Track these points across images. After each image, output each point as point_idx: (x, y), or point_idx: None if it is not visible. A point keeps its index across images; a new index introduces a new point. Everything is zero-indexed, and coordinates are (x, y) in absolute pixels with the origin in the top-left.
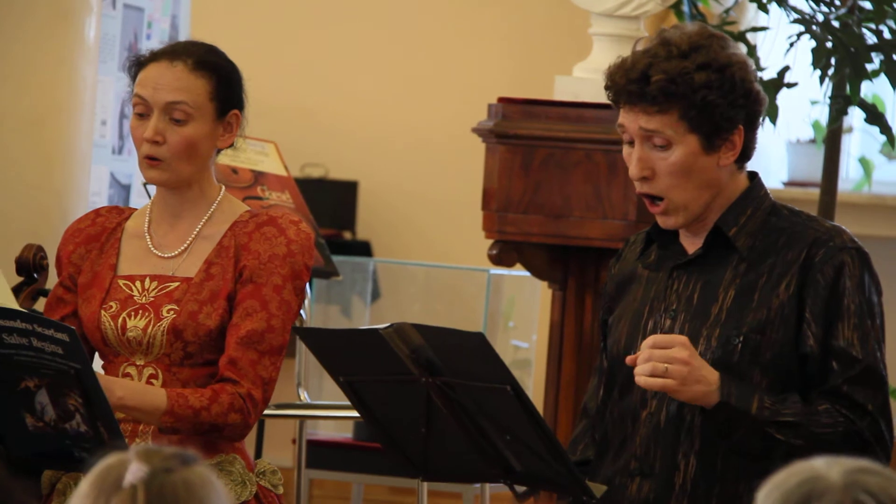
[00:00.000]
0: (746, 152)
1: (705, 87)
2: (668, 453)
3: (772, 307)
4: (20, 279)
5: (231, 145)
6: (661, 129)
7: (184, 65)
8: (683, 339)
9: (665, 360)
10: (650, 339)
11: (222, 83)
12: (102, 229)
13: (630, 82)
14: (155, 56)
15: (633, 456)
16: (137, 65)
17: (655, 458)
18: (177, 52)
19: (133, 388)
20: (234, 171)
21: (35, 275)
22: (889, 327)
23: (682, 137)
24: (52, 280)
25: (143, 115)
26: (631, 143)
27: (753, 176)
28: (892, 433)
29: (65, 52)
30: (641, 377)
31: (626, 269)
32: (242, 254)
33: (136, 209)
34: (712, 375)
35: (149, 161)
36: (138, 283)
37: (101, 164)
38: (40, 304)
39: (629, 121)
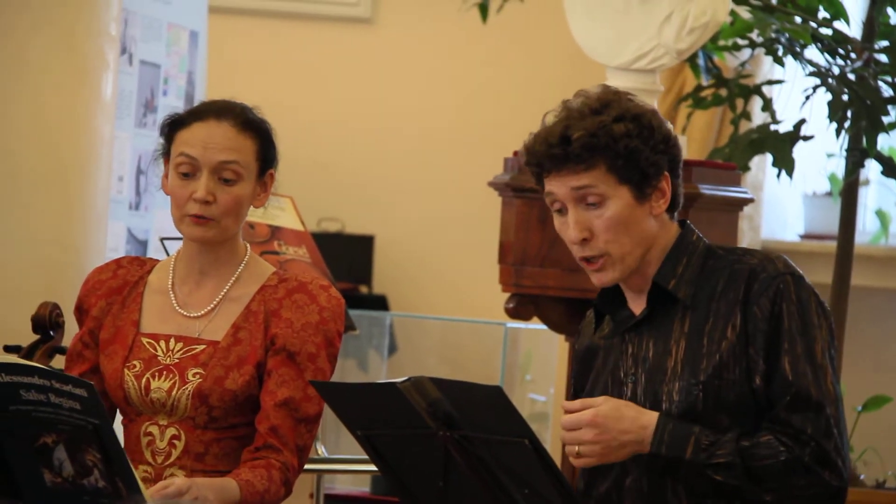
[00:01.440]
0: (675, 199)
1: (626, 136)
2: None
3: (722, 350)
4: (36, 337)
5: (264, 205)
6: (593, 184)
7: (231, 124)
8: (589, 417)
9: (574, 442)
10: (563, 421)
11: (265, 143)
12: (124, 282)
13: (551, 147)
14: (199, 114)
15: None
16: (178, 123)
17: None
18: (221, 110)
19: (213, 485)
20: (251, 226)
21: (51, 332)
22: None
23: (614, 190)
24: (68, 337)
25: (188, 175)
26: (560, 211)
27: (683, 224)
28: (844, 452)
29: (82, 109)
30: (568, 457)
31: (584, 343)
32: (273, 321)
33: (157, 261)
34: (642, 431)
35: (196, 219)
36: (163, 343)
37: (118, 219)
38: (57, 362)
39: (557, 186)
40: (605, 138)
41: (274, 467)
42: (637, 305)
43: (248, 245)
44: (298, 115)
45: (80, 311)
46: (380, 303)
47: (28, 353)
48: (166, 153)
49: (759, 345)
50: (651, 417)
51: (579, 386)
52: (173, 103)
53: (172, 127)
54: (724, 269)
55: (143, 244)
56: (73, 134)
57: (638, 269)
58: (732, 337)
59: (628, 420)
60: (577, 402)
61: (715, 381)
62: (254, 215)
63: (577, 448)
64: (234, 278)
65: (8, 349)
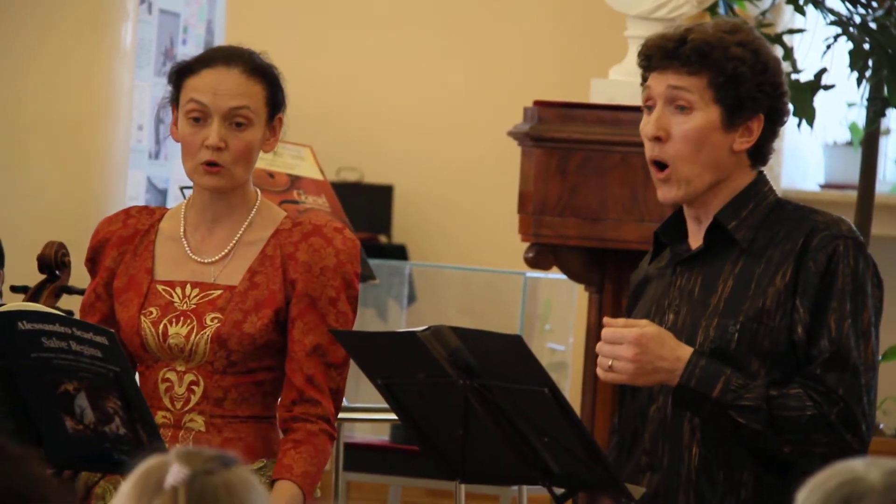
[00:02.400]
0: (762, 149)
1: (738, 60)
2: (675, 446)
3: (768, 296)
4: (42, 277)
5: (274, 150)
6: (688, 88)
7: (240, 69)
8: (635, 334)
9: (611, 355)
10: (603, 332)
11: (274, 87)
12: (135, 231)
13: (667, 41)
14: (207, 61)
15: (644, 451)
16: (186, 70)
17: (664, 452)
18: (229, 56)
19: (282, 499)
20: (271, 175)
21: (57, 272)
22: None
23: (705, 105)
24: (74, 277)
25: (198, 121)
26: (650, 108)
27: (759, 173)
28: (870, 419)
29: (101, 58)
30: (597, 368)
31: (640, 275)
32: (290, 265)
33: (166, 209)
34: (676, 362)
35: (208, 168)
36: (178, 290)
37: (138, 168)
38: (63, 302)
39: (657, 82)
40: (718, 52)
41: (315, 434)
42: (696, 240)
43: (258, 190)
44: (317, 64)
45: (92, 262)
46: (399, 252)
47: (35, 293)
48: (175, 100)
49: (807, 298)
50: (687, 351)
51: (629, 317)
52: (193, 52)
53: (180, 74)
54: (787, 222)
55: (163, 193)
56: (93, 83)
57: (704, 200)
58: (780, 285)
59: (668, 348)
60: (621, 320)
61: (753, 324)
62: (273, 164)
63: (610, 362)
64: (246, 223)
65: (14, 289)
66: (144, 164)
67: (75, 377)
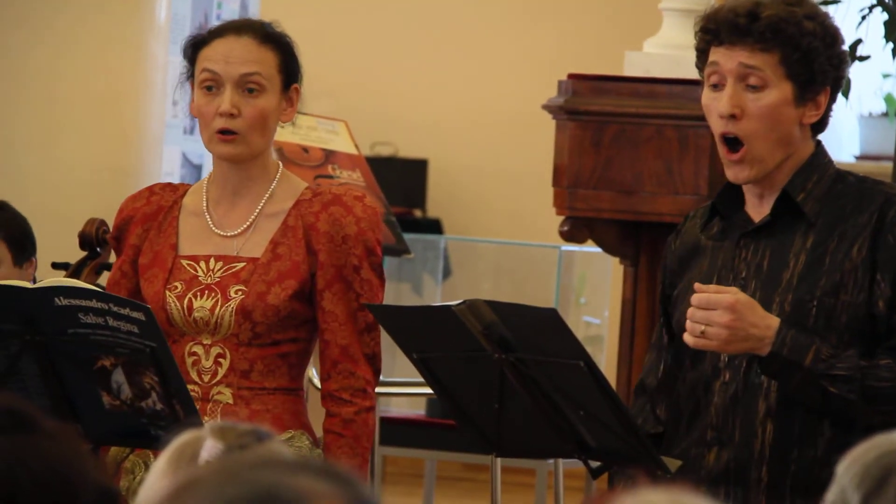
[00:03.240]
0: (824, 119)
1: (811, 35)
2: (747, 421)
3: (845, 270)
4: (83, 253)
5: (292, 121)
6: (762, 67)
7: (251, 38)
8: (730, 300)
9: (704, 321)
10: (695, 297)
11: (288, 55)
12: (159, 208)
13: (738, 16)
14: (219, 32)
15: (710, 426)
16: (199, 43)
17: (735, 427)
18: (240, 26)
19: None
20: (305, 150)
21: (98, 249)
22: None
23: (778, 81)
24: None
25: (211, 90)
26: (717, 86)
27: (818, 143)
28: None
29: (136, 33)
30: (685, 334)
31: (689, 242)
32: (312, 235)
33: (189, 185)
34: (766, 330)
35: (222, 136)
36: (202, 264)
37: (173, 144)
38: (104, 279)
39: (726, 59)
40: (792, 28)
41: (350, 422)
42: (757, 212)
43: (279, 162)
44: (353, 40)
45: (118, 241)
46: (434, 226)
47: (76, 270)
48: (191, 76)
49: (888, 271)
50: (775, 320)
51: (670, 283)
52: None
53: (194, 48)
54: (853, 194)
55: (199, 168)
56: (128, 58)
57: (770, 174)
58: (858, 259)
59: (759, 315)
60: (712, 286)
61: (831, 299)
62: (308, 139)
63: (702, 328)
64: (267, 195)
65: (56, 266)
66: (179, 139)
67: (112, 353)
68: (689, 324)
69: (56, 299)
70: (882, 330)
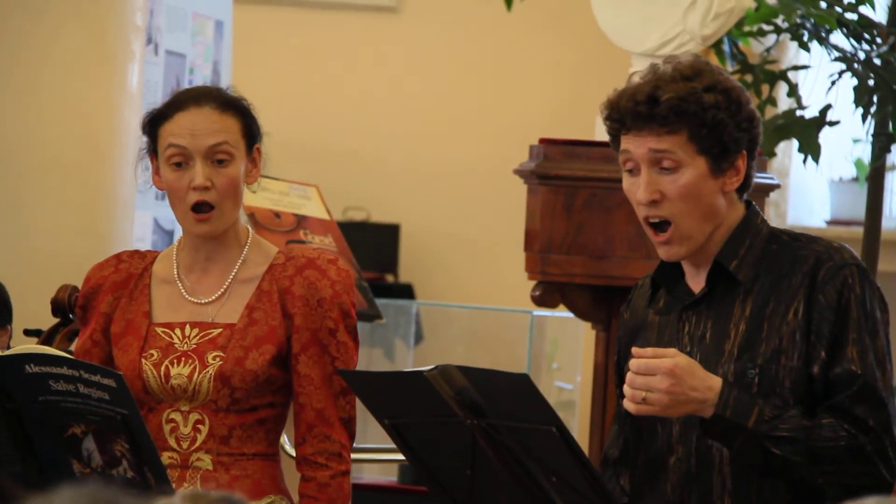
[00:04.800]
0: (747, 181)
1: (714, 107)
2: (704, 497)
3: (783, 335)
4: (56, 320)
5: (257, 181)
6: (671, 150)
7: (212, 107)
8: (668, 365)
9: (644, 388)
10: (633, 363)
11: (248, 118)
12: (129, 275)
13: (638, 104)
14: (178, 105)
15: (668, 502)
16: (159, 118)
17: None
18: (198, 96)
19: None
20: (277, 215)
21: (71, 315)
22: None
23: (691, 159)
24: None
25: (181, 165)
26: (633, 171)
27: (749, 205)
28: None
29: (108, 98)
30: (625, 400)
31: (638, 316)
32: (287, 299)
33: (157, 252)
34: (708, 392)
35: (198, 216)
36: (178, 331)
37: (145, 209)
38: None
39: (635, 146)
40: (693, 105)
41: (326, 486)
42: (695, 282)
43: (249, 227)
44: (324, 104)
45: (85, 310)
46: (406, 291)
47: (48, 336)
48: (153, 150)
49: (822, 334)
50: (717, 381)
51: (623, 355)
52: (165, 100)
53: (154, 122)
54: (787, 255)
55: (170, 234)
56: (100, 124)
57: (702, 246)
58: (794, 323)
59: (699, 378)
60: (649, 350)
61: (772, 365)
62: (280, 204)
63: (643, 394)
64: (240, 261)
65: (28, 333)
66: (151, 204)
67: (83, 420)
68: (629, 390)
69: (27, 366)
70: (819, 390)
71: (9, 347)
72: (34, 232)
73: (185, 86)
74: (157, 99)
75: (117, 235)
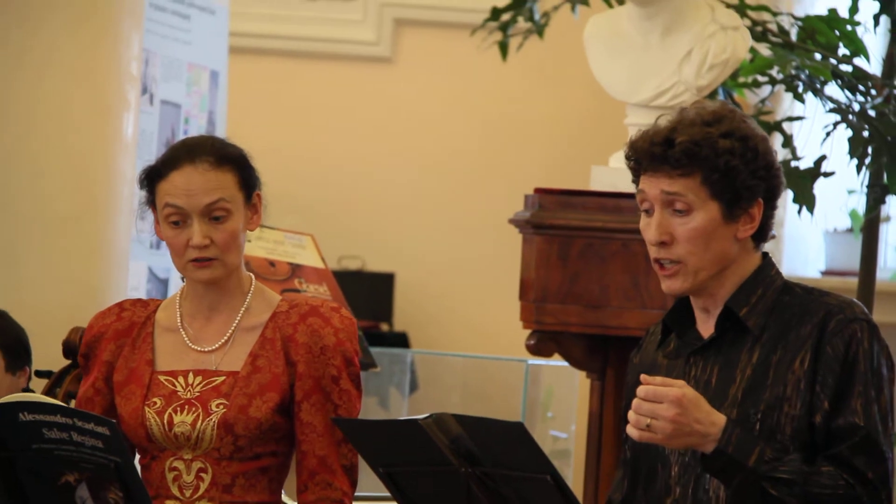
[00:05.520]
0: (764, 230)
1: (728, 153)
2: None
3: (788, 383)
4: (67, 362)
5: (260, 225)
6: (683, 193)
7: (207, 163)
8: (676, 394)
9: (650, 414)
10: (641, 389)
11: (245, 169)
12: (131, 324)
13: (654, 145)
14: (173, 163)
15: None
16: (155, 176)
17: None
18: (192, 150)
19: None
20: (272, 264)
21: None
22: None
23: (703, 203)
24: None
25: (178, 224)
26: (648, 211)
27: (765, 256)
28: None
29: (103, 148)
30: (628, 426)
31: (647, 359)
32: (291, 347)
33: (160, 301)
34: (711, 427)
35: (198, 263)
36: (181, 379)
37: (140, 259)
38: None
39: (650, 186)
40: (707, 150)
41: None
42: (705, 328)
43: (251, 275)
44: (319, 154)
45: (87, 358)
46: (401, 340)
47: (58, 378)
48: (151, 202)
49: (827, 384)
50: (722, 418)
51: (630, 400)
52: (162, 155)
53: (150, 179)
54: (798, 306)
55: (164, 283)
56: (95, 173)
57: (711, 290)
58: (800, 372)
59: (704, 412)
60: (658, 378)
61: (775, 411)
62: (274, 253)
63: (648, 421)
64: (243, 309)
65: (39, 374)
66: (145, 254)
67: (76, 468)
68: (633, 416)
69: (20, 415)
70: (820, 440)
71: (27, 389)
72: (29, 282)
73: (181, 136)
74: (153, 148)
75: (112, 285)
